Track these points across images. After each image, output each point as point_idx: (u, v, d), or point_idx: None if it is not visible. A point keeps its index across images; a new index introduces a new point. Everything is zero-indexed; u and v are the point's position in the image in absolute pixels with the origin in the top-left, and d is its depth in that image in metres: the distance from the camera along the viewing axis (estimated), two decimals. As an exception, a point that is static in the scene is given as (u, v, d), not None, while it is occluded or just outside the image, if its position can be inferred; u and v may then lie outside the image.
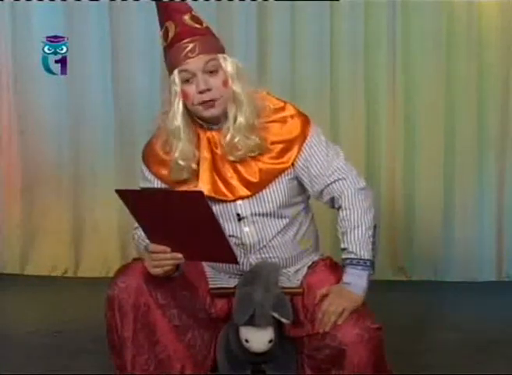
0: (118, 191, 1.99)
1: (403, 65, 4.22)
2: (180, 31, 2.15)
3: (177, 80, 2.15)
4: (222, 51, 2.19)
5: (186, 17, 2.17)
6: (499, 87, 4.22)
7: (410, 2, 4.20)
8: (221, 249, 2.02)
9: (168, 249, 2.03)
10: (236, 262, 2.09)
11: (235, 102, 2.16)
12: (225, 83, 2.15)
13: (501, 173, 4.28)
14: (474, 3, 4.17)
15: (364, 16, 4.20)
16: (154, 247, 2.05)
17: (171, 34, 2.16)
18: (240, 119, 2.15)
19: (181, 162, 2.18)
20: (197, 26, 2.17)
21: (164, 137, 2.21)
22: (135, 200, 2.01)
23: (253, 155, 2.18)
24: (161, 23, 2.20)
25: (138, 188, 2.24)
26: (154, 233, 2.05)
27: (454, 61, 4.21)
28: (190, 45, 2.13)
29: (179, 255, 2.04)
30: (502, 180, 4.28)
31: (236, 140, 2.15)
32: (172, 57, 2.16)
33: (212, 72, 2.14)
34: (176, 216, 1.97)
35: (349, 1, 4.20)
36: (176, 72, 2.15)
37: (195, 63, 2.13)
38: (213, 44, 2.18)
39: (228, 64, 2.16)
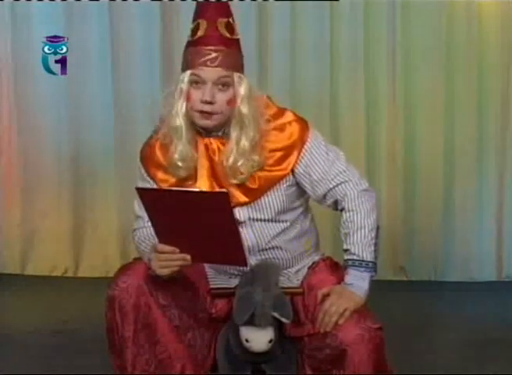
0: (138, 189, 1.99)
1: (403, 65, 4.21)
2: (209, 35, 2.12)
3: (186, 80, 2.13)
4: (240, 69, 2.16)
5: (222, 21, 2.13)
6: (499, 87, 4.22)
7: (410, 2, 4.19)
8: (233, 251, 2.02)
9: (177, 250, 2.03)
10: (246, 265, 2.07)
11: (240, 123, 2.14)
12: (230, 101, 2.13)
13: (501, 172, 4.27)
14: (474, 3, 4.17)
15: (364, 16, 4.19)
16: (162, 247, 2.04)
17: (200, 33, 2.13)
18: (244, 143, 2.13)
19: (180, 164, 2.17)
20: (228, 35, 2.13)
21: (163, 137, 2.20)
22: (155, 199, 1.99)
23: (254, 170, 2.17)
24: (195, 18, 2.16)
25: (152, 187, 2.20)
26: (165, 233, 2.03)
27: (454, 61, 4.20)
28: (213, 54, 2.11)
29: (188, 257, 2.03)
30: (502, 180, 4.28)
31: (239, 163, 2.14)
32: (191, 56, 2.14)
33: (223, 86, 2.12)
34: (194, 217, 1.95)
35: (349, 1, 4.19)
36: (188, 72, 2.13)
37: (210, 73, 2.11)
38: (234, 60, 2.14)
39: (242, 84, 2.14)
